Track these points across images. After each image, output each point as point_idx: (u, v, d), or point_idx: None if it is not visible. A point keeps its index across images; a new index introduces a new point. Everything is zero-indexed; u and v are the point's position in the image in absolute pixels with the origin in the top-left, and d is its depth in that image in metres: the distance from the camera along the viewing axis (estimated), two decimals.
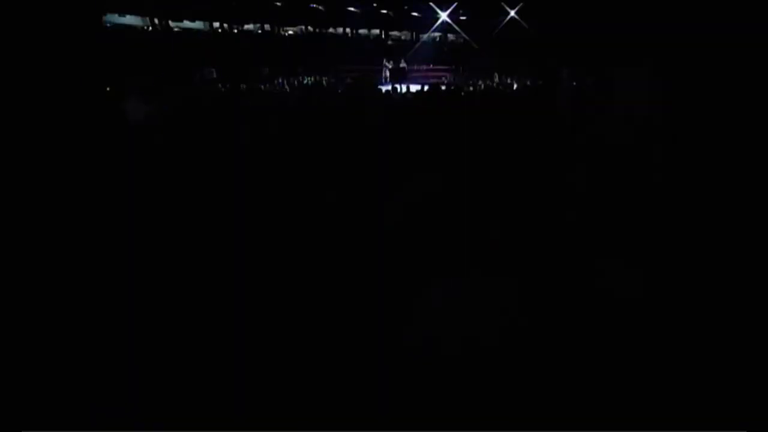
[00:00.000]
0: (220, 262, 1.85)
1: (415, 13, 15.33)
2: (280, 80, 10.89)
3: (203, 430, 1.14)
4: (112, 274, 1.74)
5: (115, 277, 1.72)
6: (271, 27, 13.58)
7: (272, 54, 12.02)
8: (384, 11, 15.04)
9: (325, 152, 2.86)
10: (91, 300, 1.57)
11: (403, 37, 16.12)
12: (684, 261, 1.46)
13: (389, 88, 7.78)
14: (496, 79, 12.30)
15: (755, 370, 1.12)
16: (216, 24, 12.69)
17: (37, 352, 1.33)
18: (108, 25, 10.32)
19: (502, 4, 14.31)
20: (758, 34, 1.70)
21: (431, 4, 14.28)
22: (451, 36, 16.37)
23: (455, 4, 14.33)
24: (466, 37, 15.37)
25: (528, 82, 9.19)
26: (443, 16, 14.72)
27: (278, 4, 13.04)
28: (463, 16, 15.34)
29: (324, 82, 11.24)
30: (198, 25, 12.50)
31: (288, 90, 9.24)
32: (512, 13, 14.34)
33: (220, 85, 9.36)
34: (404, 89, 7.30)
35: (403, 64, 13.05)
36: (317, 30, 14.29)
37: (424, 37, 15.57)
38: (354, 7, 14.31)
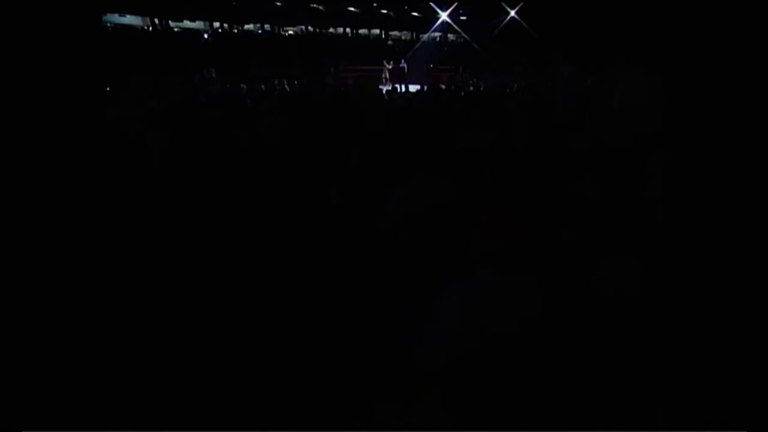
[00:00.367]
0: (219, 262, 1.86)
1: (415, 13, 15.35)
2: (280, 80, 10.92)
3: (203, 430, 1.15)
4: (112, 274, 1.74)
5: (115, 277, 1.72)
6: (271, 27, 13.60)
7: (272, 54, 12.04)
8: (384, 11, 15.06)
9: (325, 153, 2.86)
10: (90, 300, 1.57)
11: (403, 37, 16.14)
12: (684, 261, 1.46)
13: (389, 88, 7.80)
14: (496, 79, 12.32)
15: (755, 370, 1.12)
16: (216, 24, 12.71)
17: (37, 352, 1.33)
18: (108, 25, 10.33)
19: (502, 4, 14.33)
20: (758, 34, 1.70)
21: (431, 4, 14.29)
22: (451, 36, 16.39)
23: (455, 4, 14.35)
24: (466, 37, 15.38)
25: (528, 82, 9.21)
26: (443, 16, 14.73)
27: (278, 4, 13.05)
28: (463, 16, 15.35)
29: (323, 83, 11.25)
30: (198, 25, 12.52)
31: (288, 90, 9.24)
32: (512, 13, 14.36)
33: (219, 85, 9.38)
34: (404, 89, 7.31)
35: (403, 64, 13.07)
36: (317, 30, 14.31)
37: (424, 37, 15.59)
38: (354, 7, 14.33)
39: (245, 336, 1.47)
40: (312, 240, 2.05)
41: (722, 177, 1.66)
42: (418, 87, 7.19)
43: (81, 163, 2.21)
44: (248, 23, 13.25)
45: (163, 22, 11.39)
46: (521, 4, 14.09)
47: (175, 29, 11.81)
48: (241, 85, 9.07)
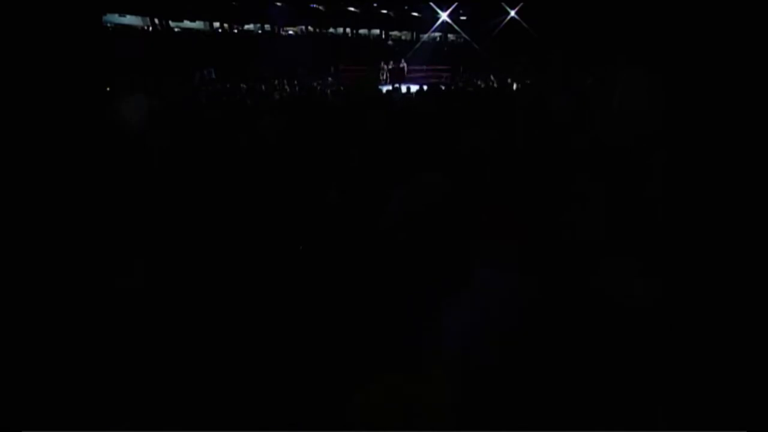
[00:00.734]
0: (220, 261, 1.85)
1: (415, 13, 15.33)
2: (280, 80, 10.91)
3: (203, 430, 1.15)
4: (112, 273, 1.74)
5: (115, 277, 1.72)
6: (271, 27, 13.58)
7: (272, 54, 12.02)
8: (384, 11, 15.04)
9: (325, 152, 2.86)
10: (91, 300, 1.57)
11: (403, 37, 16.13)
12: (685, 261, 1.46)
13: (389, 88, 7.79)
14: (497, 79, 12.31)
15: (755, 370, 1.12)
16: (216, 24, 12.70)
17: (37, 352, 1.33)
18: (108, 25, 10.32)
19: (502, 4, 14.32)
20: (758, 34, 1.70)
21: (431, 4, 14.28)
22: (451, 36, 16.37)
23: (455, 4, 14.34)
24: (466, 37, 15.37)
25: (527, 82, 9.20)
26: (443, 16, 14.71)
27: (278, 4, 13.04)
28: (463, 16, 15.34)
29: (323, 83, 11.25)
30: (198, 25, 12.50)
31: (288, 90, 9.24)
32: (512, 13, 14.35)
33: (219, 86, 9.37)
34: (404, 89, 7.30)
35: (403, 64, 13.06)
36: (317, 30, 14.29)
37: (424, 37, 15.57)
38: (354, 7, 14.32)
39: (245, 335, 1.47)
40: (312, 239, 2.05)
41: (722, 176, 1.65)
42: (418, 87, 7.19)
43: (81, 162, 2.21)
44: (248, 23, 13.23)
45: (163, 22, 11.37)
46: (521, 4, 14.07)
47: (176, 29, 11.80)
48: (241, 85, 9.07)
